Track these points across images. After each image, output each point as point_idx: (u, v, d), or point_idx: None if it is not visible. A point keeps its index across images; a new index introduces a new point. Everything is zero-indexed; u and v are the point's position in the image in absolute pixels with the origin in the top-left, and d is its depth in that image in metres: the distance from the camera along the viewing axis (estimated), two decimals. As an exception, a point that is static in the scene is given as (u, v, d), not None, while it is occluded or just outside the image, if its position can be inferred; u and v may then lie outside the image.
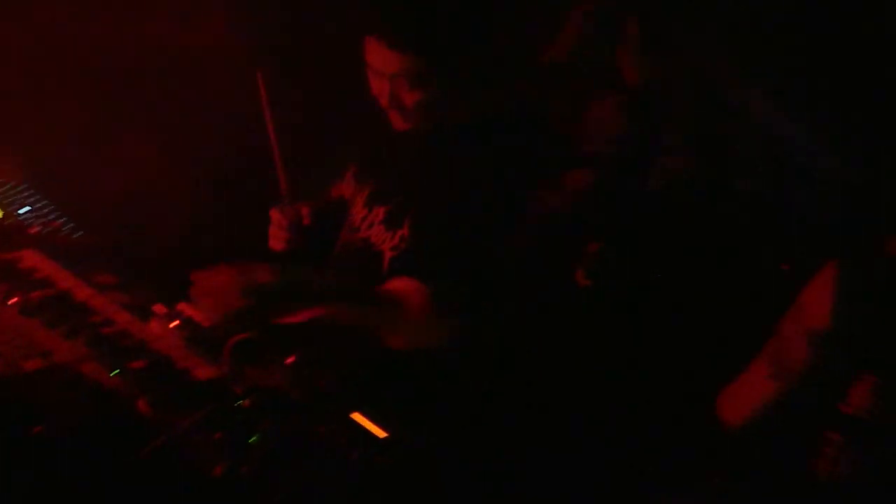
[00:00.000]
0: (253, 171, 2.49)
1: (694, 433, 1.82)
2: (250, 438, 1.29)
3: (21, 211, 1.73)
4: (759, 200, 2.66)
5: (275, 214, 1.87)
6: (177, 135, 2.97)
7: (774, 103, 2.68)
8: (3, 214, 1.65)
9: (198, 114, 2.88)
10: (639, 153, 2.64)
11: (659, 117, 2.68)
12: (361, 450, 1.43)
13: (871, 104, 2.55)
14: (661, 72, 2.68)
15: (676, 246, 2.66)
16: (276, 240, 1.87)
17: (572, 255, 2.91)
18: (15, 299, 1.34)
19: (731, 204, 2.69)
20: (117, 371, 1.29)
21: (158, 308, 1.61)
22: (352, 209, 1.88)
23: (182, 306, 1.62)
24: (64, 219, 1.77)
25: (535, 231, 2.63)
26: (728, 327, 2.54)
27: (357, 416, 1.58)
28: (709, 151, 2.79)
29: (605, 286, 2.67)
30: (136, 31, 2.86)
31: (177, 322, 1.55)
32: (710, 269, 2.64)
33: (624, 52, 2.59)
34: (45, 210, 1.78)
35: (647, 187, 2.71)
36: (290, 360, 1.59)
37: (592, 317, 2.67)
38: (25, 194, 1.83)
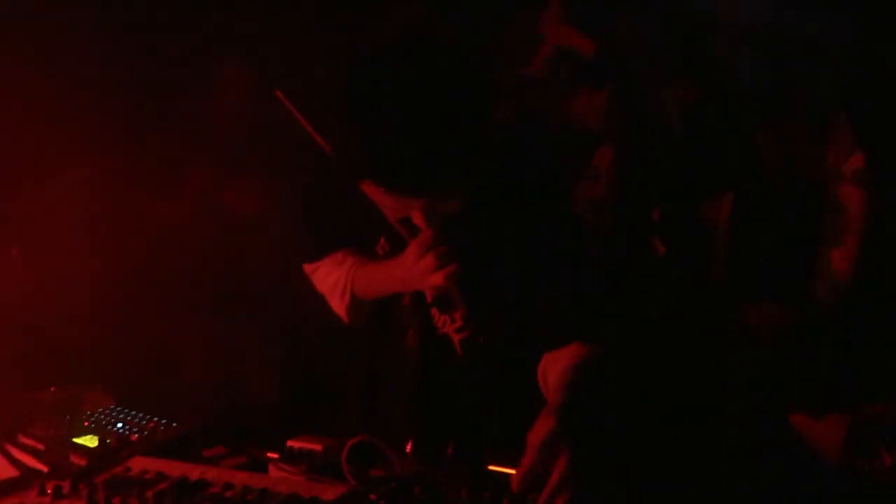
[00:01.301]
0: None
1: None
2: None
3: (117, 426, 1.78)
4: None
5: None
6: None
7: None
8: (104, 436, 1.69)
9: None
10: (640, 112, 2.62)
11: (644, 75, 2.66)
12: (509, 496, 1.40)
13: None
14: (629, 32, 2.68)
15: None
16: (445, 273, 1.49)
17: (640, 230, 2.87)
18: (133, 504, 1.36)
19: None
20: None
21: (271, 454, 1.63)
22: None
23: (290, 443, 1.63)
24: (156, 418, 1.82)
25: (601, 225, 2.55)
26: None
27: (495, 468, 1.54)
28: (713, 81, 2.75)
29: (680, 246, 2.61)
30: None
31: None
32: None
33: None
34: (137, 419, 1.83)
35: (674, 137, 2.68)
36: (409, 447, 1.57)
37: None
38: (115, 413, 1.89)
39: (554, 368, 1.47)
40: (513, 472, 1.51)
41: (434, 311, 1.70)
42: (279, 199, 2.88)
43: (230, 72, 3.21)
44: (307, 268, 1.85)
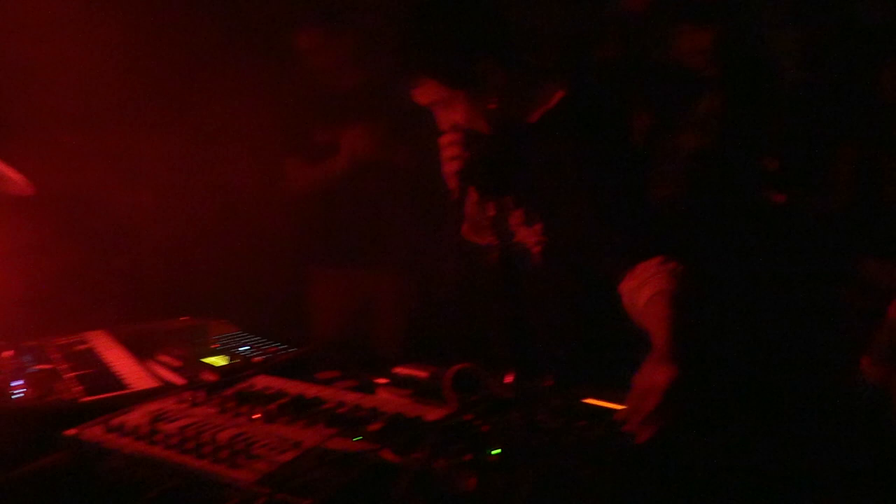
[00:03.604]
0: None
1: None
2: (493, 451, 1.35)
3: (242, 349, 1.95)
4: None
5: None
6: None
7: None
8: (231, 357, 1.86)
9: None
10: (750, 55, 2.57)
11: None
12: (605, 426, 1.46)
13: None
14: None
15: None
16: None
17: (751, 181, 2.82)
18: (258, 415, 1.51)
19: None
20: (359, 437, 1.41)
21: (381, 380, 1.75)
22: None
23: (398, 370, 1.75)
24: (278, 343, 1.97)
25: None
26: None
27: (590, 401, 1.61)
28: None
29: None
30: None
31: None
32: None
33: None
34: (262, 343, 1.99)
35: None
36: (508, 378, 1.65)
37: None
38: (242, 337, 2.06)
39: (644, 291, 1.49)
40: (607, 405, 1.58)
41: (521, 227, 1.79)
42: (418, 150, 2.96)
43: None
44: None
